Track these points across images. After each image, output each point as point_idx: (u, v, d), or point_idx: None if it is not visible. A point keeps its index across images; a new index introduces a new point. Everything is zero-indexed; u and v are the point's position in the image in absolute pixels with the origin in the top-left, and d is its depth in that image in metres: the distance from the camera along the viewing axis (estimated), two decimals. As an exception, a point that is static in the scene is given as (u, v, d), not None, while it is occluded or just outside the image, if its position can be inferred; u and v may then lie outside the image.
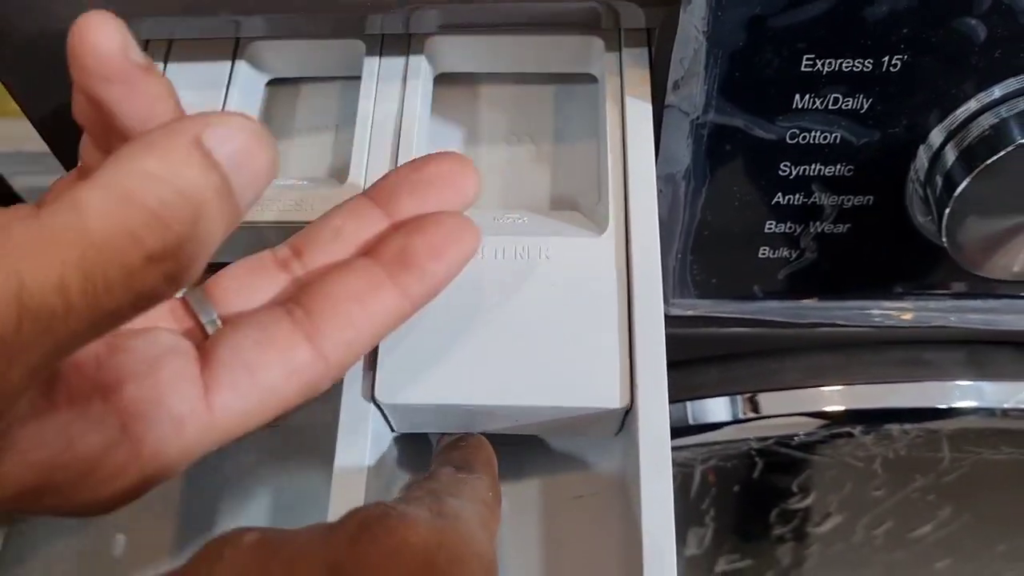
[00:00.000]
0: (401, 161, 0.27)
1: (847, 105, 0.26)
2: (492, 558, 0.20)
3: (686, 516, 0.43)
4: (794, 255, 0.30)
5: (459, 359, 0.23)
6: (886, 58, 0.25)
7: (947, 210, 0.26)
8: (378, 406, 0.24)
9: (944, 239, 0.27)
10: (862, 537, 0.44)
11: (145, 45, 0.30)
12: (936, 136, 0.27)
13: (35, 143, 0.31)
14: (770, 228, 0.30)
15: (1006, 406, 0.34)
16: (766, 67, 0.25)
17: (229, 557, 0.18)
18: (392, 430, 0.25)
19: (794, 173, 0.28)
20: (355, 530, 0.18)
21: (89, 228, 0.14)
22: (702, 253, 0.31)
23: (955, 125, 0.26)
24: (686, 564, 0.46)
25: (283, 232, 0.27)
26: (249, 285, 0.22)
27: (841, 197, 0.29)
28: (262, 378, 0.19)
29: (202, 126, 0.16)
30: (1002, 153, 0.25)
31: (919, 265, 0.31)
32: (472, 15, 0.27)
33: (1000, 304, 0.32)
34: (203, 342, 0.20)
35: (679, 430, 0.35)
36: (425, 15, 0.26)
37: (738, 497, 0.42)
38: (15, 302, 0.14)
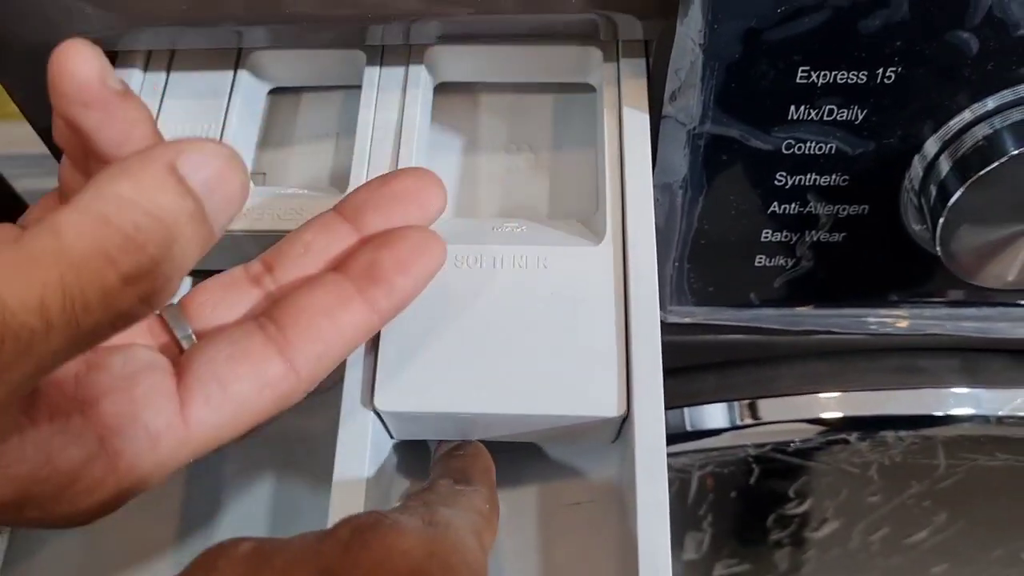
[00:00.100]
0: (401, 168, 0.27)
1: (842, 116, 0.26)
2: (482, 567, 0.20)
3: (684, 521, 0.43)
4: (790, 263, 0.31)
5: (457, 367, 0.24)
6: (880, 70, 0.25)
7: (941, 219, 0.27)
8: (377, 414, 0.24)
9: (938, 248, 0.28)
10: (859, 543, 0.44)
11: (148, 55, 0.30)
12: (931, 146, 0.27)
13: (36, 145, 0.32)
14: (766, 237, 0.30)
15: (1000, 413, 0.34)
16: (762, 79, 0.25)
17: (223, 568, 0.19)
18: (391, 437, 0.26)
19: (790, 183, 0.28)
20: (347, 537, 0.19)
21: (67, 251, 0.15)
22: (699, 261, 0.31)
23: (949, 135, 0.27)
24: (684, 569, 0.47)
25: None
26: (223, 300, 0.22)
27: (836, 206, 0.29)
28: (235, 392, 0.20)
29: (176, 153, 0.17)
30: (995, 164, 0.25)
31: (914, 273, 0.31)
32: (471, 26, 0.27)
33: (994, 312, 0.32)
34: (179, 357, 0.21)
35: (677, 436, 0.36)
36: (425, 26, 0.27)
37: (735, 502, 0.42)
38: None
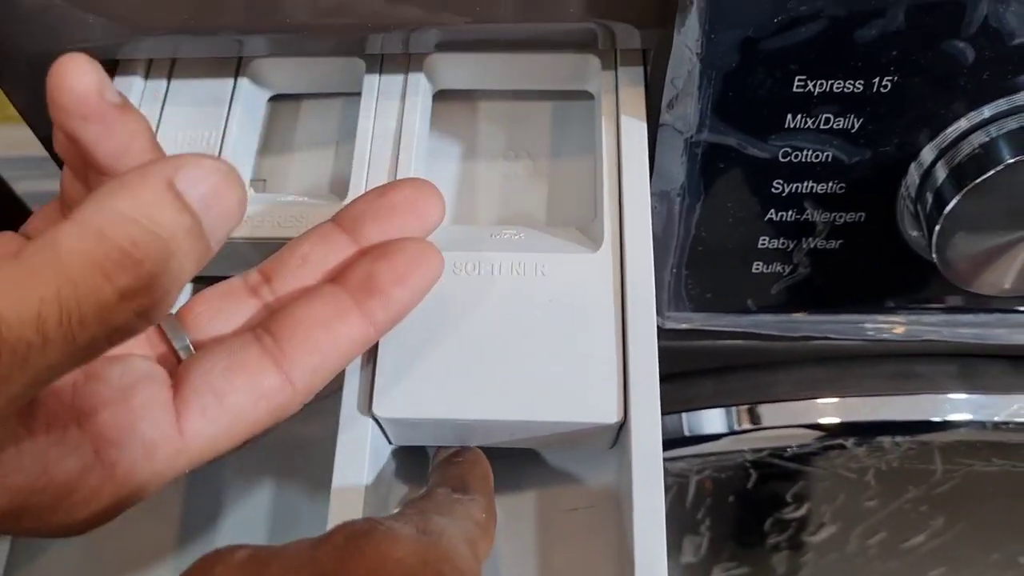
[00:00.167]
0: (400, 176, 0.28)
1: (839, 125, 0.26)
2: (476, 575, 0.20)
3: (682, 525, 0.44)
4: (787, 270, 0.31)
5: (456, 374, 0.24)
6: (876, 79, 0.25)
7: (937, 227, 0.27)
8: (376, 420, 0.24)
9: (934, 255, 0.28)
10: (856, 547, 0.45)
11: (149, 63, 0.30)
12: (927, 154, 0.27)
13: (37, 148, 0.32)
14: (763, 244, 0.30)
15: (997, 419, 0.35)
16: (758, 88, 0.26)
17: (220, 574, 0.19)
18: (390, 443, 0.26)
19: (787, 190, 0.28)
20: (342, 544, 0.19)
21: (65, 265, 0.15)
22: (696, 268, 0.31)
23: (946, 144, 0.27)
24: (682, 572, 0.47)
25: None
26: (221, 311, 0.22)
27: (833, 214, 0.29)
28: (231, 403, 0.20)
29: (174, 168, 0.17)
30: (991, 172, 0.26)
31: (911, 280, 0.31)
32: (470, 35, 0.27)
33: (991, 318, 0.33)
34: (176, 367, 0.21)
35: (675, 441, 0.36)
36: (424, 35, 0.27)
37: (733, 506, 0.42)
38: None
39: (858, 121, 0.26)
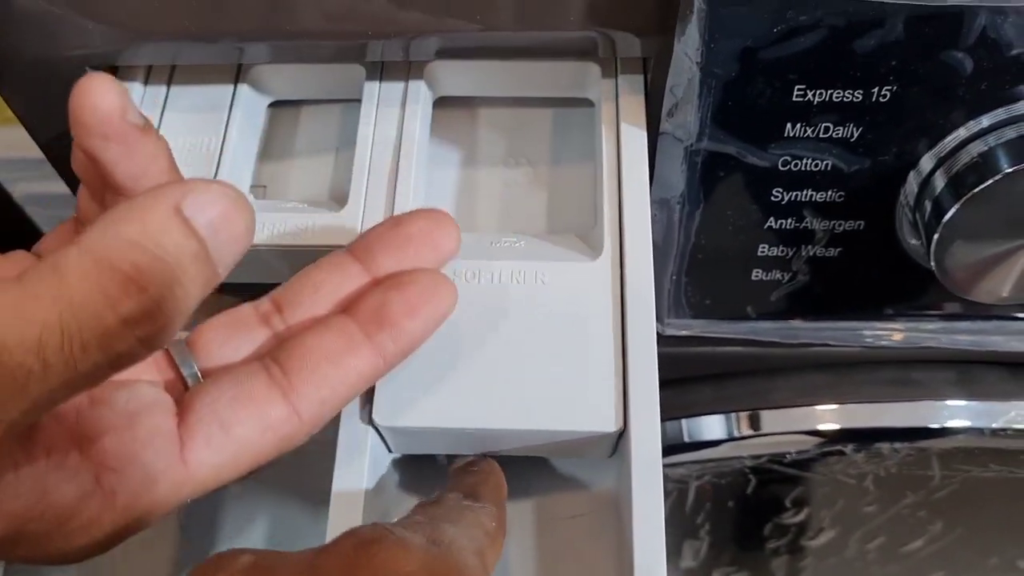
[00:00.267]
0: (400, 184, 0.28)
1: (838, 134, 0.27)
2: None
3: (681, 529, 0.44)
4: (786, 277, 0.31)
5: (456, 383, 0.24)
6: (876, 89, 0.25)
7: (935, 235, 0.27)
8: (376, 428, 0.24)
9: (933, 264, 0.28)
10: (855, 551, 0.45)
11: (148, 69, 0.30)
12: (926, 163, 0.27)
13: (36, 149, 0.32)
14: (763, 251, 0.30)
15: (995, 426, 0.35)
16: (758, 97, 0.26)
17: None
18: (389, 451, 0.26)
19: (786, 199, 0.28)
20: (349, 552, 0.19)
21: (67, 290, 0.15)
22: (696, 275, 0.31)
23: (944, 152, 0.27)
24: (682, 576, 0.47)
25: (282, 254, 0.27)
26: (230, 339, 0.22)
27: (832, 222, 0.29)
28: (237, 434, 0.20)
29: (182, 194, 0.17)
30: (990, 182, 0.26)
31: (909, 287, 0.31)
32: (471, 43, 0.27)
33: (989, 326, 0.33)
34: (183, 394, 0.21)
35: (674, 447, 0.36)
36: (425, 43, 0.27)
37: (733, 512, 0.42)
38: None
39: (857, 130, 0.26)
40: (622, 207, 0.26)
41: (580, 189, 0.30)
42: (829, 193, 0.28)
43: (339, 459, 0.24)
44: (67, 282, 0.15)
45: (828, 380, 0.35)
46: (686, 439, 0.36)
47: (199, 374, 0.22)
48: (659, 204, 0.29)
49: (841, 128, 0.26)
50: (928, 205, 0.27)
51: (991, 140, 0.26)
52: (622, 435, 0.24)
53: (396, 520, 0.22)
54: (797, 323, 0.32)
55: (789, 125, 0.26)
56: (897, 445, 0.35)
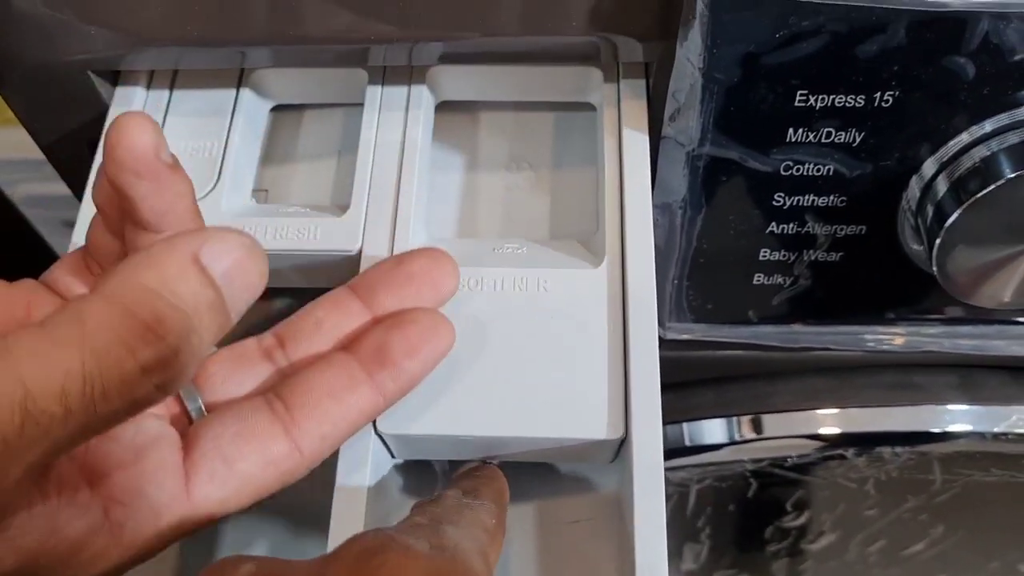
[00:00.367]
0: (403, 189, 0.28)
1: (840, 139, 0.27)
2: None
3: (682, 533, 0.44)
4: (788, 282, 0.31)
5: (459, 390, 0.24)
6: (878, 94, 0.25)
7: (938, 240, 0.27)
8: (379, 435, 0.24)
9: (934, 268, 0.28)
10: (856, 554, 0.45)
11: (151, 73, 0.30)
12: (928, 167, 0.27)
13: (37, 150, 0.32)
14: (764, 256, 0.30)
15: (997, 430, 0.35)
16: (760, 102, 0.26)
17: None
18: (392, 457, 0.26)
19: (788, 204, 0.28)
20: (352, 562, 0.19)
21: (89, 339, 0.15)
22: (698, 279, 0.31)
23: (947, 157, 0.27)
24: (682, 579, 0.47)
25: (284, 258, 0.27)
26: (234, 374, 0.23)
27: (834, 226, 0.29)
28: (240, 469, 0.20)
29: (200, 243, 0.17)
30: (992, 187, 0.26)
31: (911, 292, 0.31)
32: (473, 48, 0.27)
33: (991, 330, 0.33)
34: (187, 428, 0.21)
35: (676, 451, 0.36)
36: (428, 48, 0.27)
37: (733, 515, 0.42)
38: (19, 408, 0.15)
39: (859, 135, 0.26)
40: (624, 212, 0.26)
41: (582, 193, 0.30)
42: (831, 198, 0.28)
43: (342, 464, 0.24)
44: (88, 330, 0.16)
45: (829, 384, 0.35)
46: (687, 443, 0.36)
47: (203, 408, 0.22)
48: (661, 208, 0.29)
49: (843, 133, 0.26)
50: (930, 210, 0.27)
51: (994, 145, 0.26)
52: (624, 441, 0.24)
53: (396, 523, 0.22)
54: (798, 327, 0.32)
55: (791, 130, 0.26)
56: (898, 449, 0.35)
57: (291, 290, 0.30)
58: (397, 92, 0.29)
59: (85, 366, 0.15)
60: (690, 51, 0.25)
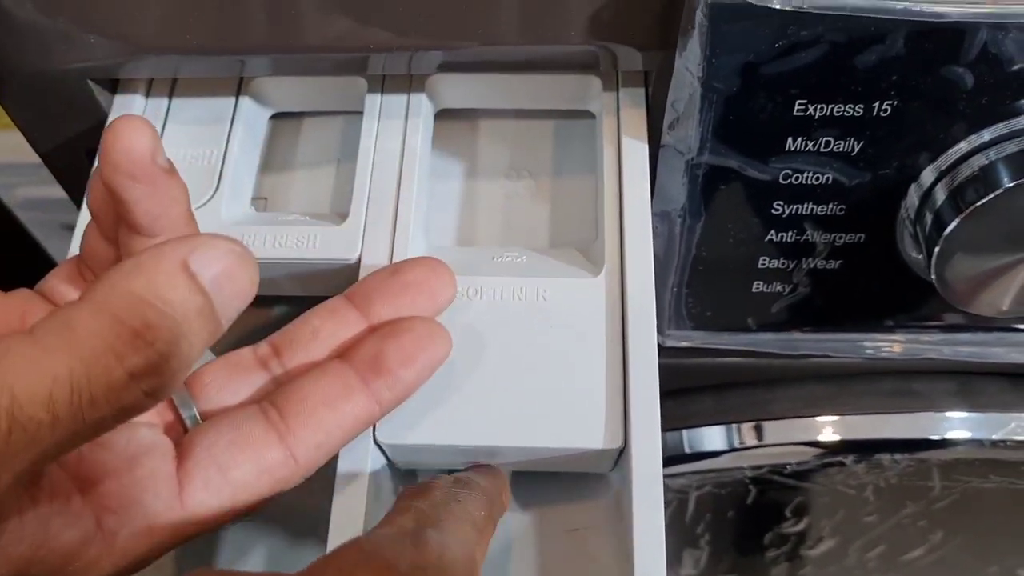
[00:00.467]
0: (402, 197, 0.28)
1: (839, 148, 0.27)
2: None
3: (682, 538, 0.44)
4: (787, 289, 0.31)
5: (458, 400, 0.24)
6: (876, 103, 0.25)
7: (936, 248, 0.27)
8: (377, 444, 0.24)
9: (933, 276, 0.28)
10: (855, 560, 0.45)
11: (150, 81, 0.30)
12: (927, 176, 0.27)
13: (33, 154, 0.32)
14: (763, 264, 0.30)
15: (995, 437, 0.35)
16: (759, 111, 0.26)
17: None
18: (391, 465, 0.26)
19: (787, 212, 0.28)
20: None
21: (78, 346, 0.15)
22: (697, 287, 0.31)
23: (946, 166, 0.27)
24: (681, 584, 0.47)
25: (282, 267, 0.27)
26: (229, 382, 0.23)
27: (833, 235, 0.29)
28: (234, 477, 0.20)
29: (189, 250, 0.17)
30: (991, 196, 0.26)
31: (910, 299, 0.31)
32: (473, 56, 0.27)
33: (990, 337, 0.33)
34: (182, 436, 0.21)
35: (675, 458, 0.36)
36: (427, 57, 0.27)
37: (733, 521, 0.42)
38: (6, 415, 0.15)
39: (858, 144, 0.26)
40: (623, 220, 0.26)
41: (581, 201, 0.30)
42: (830, 206, 0.28)
43: (340, 472, 0.24)
44: (77, 337, 0.16)
45: (829, 391, 0.35)
46: (687, 450, 0.36)
47: (198, 416, 0.22)
48: (660, 216, 0.29)
49: (842, 142, 0.26)
50: (929, 218, 0.27)
51: (992, 154, 0.26)
52: (623, 450, 0.24)
53: (382, 520, 0.21)
54: (798, 335, 0.32)
55: (790, 139, 0.26)
56: (897, 456, 0.36)
57: (287, 298, 0.30)
58: (396, 100, 0.29)
59: (73, 373, 0.15)
60: (689, 60, 0.25)
